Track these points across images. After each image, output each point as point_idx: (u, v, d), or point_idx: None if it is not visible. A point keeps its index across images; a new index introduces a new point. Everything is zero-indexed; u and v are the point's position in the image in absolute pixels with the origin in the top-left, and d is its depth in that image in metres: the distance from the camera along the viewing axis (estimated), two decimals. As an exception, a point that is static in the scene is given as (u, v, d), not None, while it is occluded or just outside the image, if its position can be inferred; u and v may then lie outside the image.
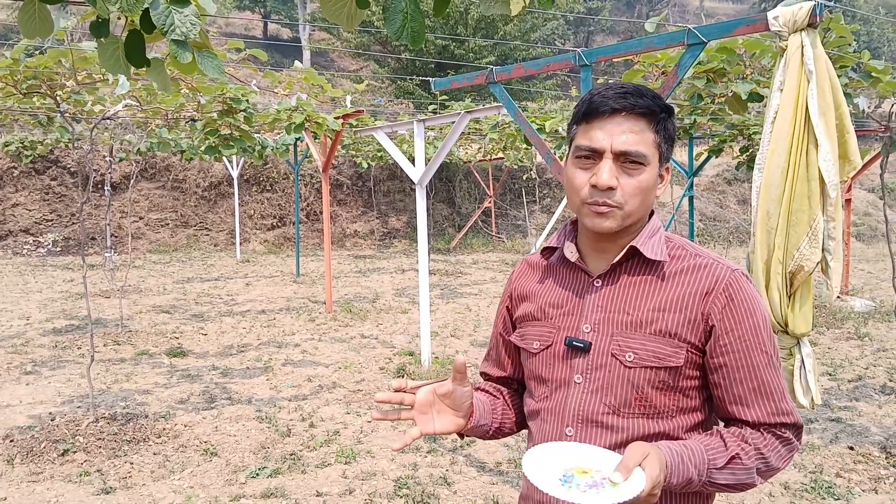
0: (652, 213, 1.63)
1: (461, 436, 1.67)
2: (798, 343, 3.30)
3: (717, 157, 10.02)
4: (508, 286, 1.82)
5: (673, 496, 1.54)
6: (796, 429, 1.55)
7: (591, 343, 1.56)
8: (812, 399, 3.31)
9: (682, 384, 1.53)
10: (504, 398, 1.81)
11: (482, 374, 1.91)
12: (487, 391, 1.82)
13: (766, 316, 1.54)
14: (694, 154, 11.19)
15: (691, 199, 10.75)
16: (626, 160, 1.49)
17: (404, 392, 1.56)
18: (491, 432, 1.72)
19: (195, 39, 2.20)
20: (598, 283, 1.60)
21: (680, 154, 18.37)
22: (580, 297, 1.61)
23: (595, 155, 1.51)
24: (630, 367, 1.52)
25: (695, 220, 11.88)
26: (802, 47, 3.13)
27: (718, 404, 1.57)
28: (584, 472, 1.40)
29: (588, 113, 1.53)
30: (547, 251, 1.74)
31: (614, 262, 1.57)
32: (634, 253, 1.57)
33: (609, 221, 1.52)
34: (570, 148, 1.59)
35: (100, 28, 2.14)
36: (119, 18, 2.20)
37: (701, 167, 10.73)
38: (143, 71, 2.23)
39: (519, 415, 1.81)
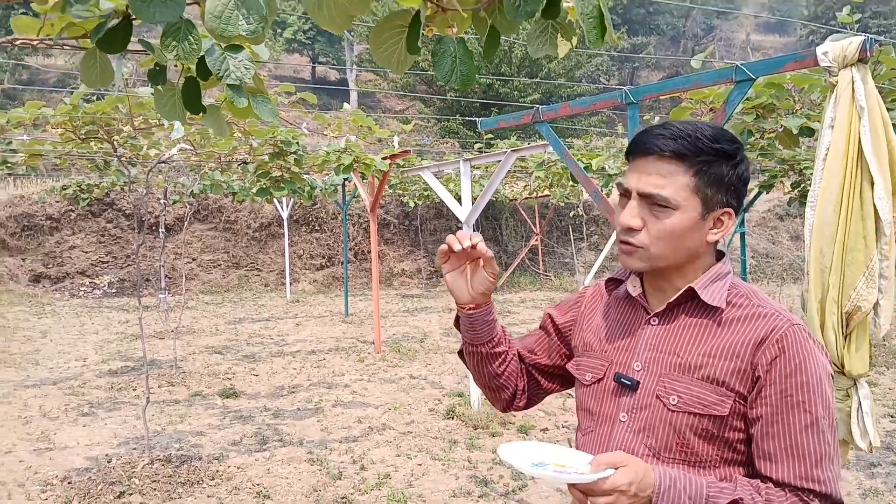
0: (722, 256, 1.59)
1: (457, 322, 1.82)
2: (855, 384, 3.20)
3: (767, 192, 9.86)
4: (581, 299, 1.81)
5: None
6: (829, 501, 1.43)
7: (639, 382, 1.53)
8: (870, 442, 3.20)
9: (728, 435, 1.47)
10: (525, 365, 1.91)
11: None
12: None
13: (822, 376, 1.45)
14: (745, 189, 11.04)
15: (743, 235, 10.58)
16: (652, 202, 1.49)
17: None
18: (492, 347, 1.80)
19: (249, 84, 2.24)
20: (654, 321, 1.57)
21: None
22: (635, 334, 1.59)
23: (628, 194, 1.53)
24: (673, 411, 1.48)
25: (747, 257, 11.67)
26: (853, 83, 3.08)
27: (751, 458, 1.49)
28: (560, 466, 1.42)
29: (629, 153, 1.56)
30: (611, 283, 1.73)
31: (670, 301, 1.55)
32: (693, 295, 1.53)
33: (634, 261, 1.53)
34: None
35: (157, 76, 2.20)
36: (175, 66, 2.26)
37: (752, 203, 10.57)
38: (199, 116, 2.28)
39: (525, 384, 1.88)
